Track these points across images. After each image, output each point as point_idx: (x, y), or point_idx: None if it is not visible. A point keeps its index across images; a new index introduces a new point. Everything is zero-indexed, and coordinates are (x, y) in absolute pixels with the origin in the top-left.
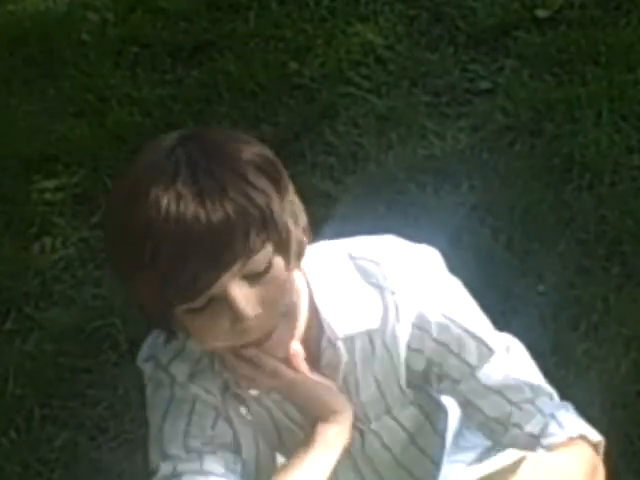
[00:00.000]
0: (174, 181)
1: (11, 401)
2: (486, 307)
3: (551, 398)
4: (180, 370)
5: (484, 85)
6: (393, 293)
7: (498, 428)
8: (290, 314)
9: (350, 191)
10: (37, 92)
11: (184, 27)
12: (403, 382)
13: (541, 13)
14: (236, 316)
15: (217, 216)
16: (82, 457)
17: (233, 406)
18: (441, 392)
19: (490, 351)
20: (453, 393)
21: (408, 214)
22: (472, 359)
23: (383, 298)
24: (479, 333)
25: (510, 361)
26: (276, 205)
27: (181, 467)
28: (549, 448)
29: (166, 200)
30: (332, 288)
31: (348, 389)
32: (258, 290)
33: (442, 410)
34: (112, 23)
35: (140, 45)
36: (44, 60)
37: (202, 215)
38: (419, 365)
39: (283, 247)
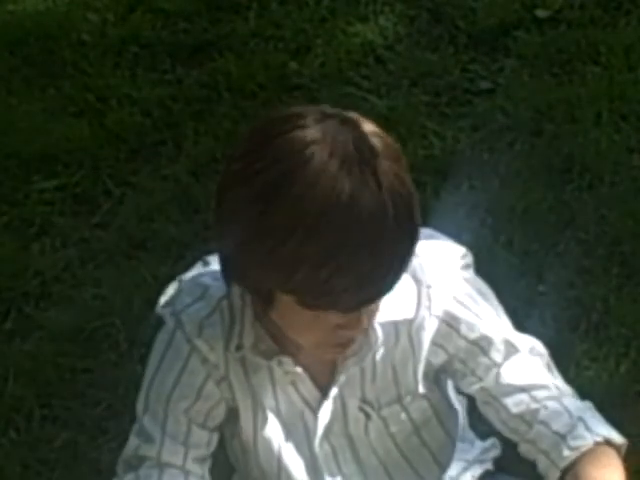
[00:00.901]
0: (366, 180)
1: (11, 401)
2: None
3: (575, 398)
4: (191, 318)
5: (484, 85)
6: (429, 287)
7: (521, 426)
8: None
9: None
10: (37, 92)
11: (184, 27)
12: (420, 374)
13: (541, 13)
14: (352, 325)
15: (394, 231)
16: (82, 457)
17: (235, 369)
18: (463, 388)
19: (516, 350)
20: (476, 390)
21: None
22: (498, 357)
23: (418, 290)
24: (506, 333)
25: (535, 361)
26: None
27: (142, 451)
28: (575, 450)
29: (369, 205)
30: None
31: (363, 375)
32: (372, 306)
33: (452, 411)
34: (112, 23)
35: (140, 45)
36: (44, 60)
37: (389, 230)
38: (438, 360)
39: None
